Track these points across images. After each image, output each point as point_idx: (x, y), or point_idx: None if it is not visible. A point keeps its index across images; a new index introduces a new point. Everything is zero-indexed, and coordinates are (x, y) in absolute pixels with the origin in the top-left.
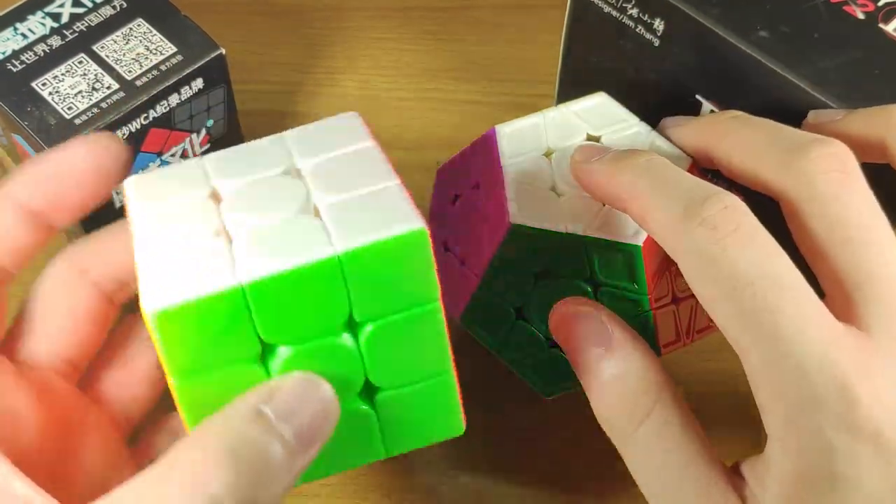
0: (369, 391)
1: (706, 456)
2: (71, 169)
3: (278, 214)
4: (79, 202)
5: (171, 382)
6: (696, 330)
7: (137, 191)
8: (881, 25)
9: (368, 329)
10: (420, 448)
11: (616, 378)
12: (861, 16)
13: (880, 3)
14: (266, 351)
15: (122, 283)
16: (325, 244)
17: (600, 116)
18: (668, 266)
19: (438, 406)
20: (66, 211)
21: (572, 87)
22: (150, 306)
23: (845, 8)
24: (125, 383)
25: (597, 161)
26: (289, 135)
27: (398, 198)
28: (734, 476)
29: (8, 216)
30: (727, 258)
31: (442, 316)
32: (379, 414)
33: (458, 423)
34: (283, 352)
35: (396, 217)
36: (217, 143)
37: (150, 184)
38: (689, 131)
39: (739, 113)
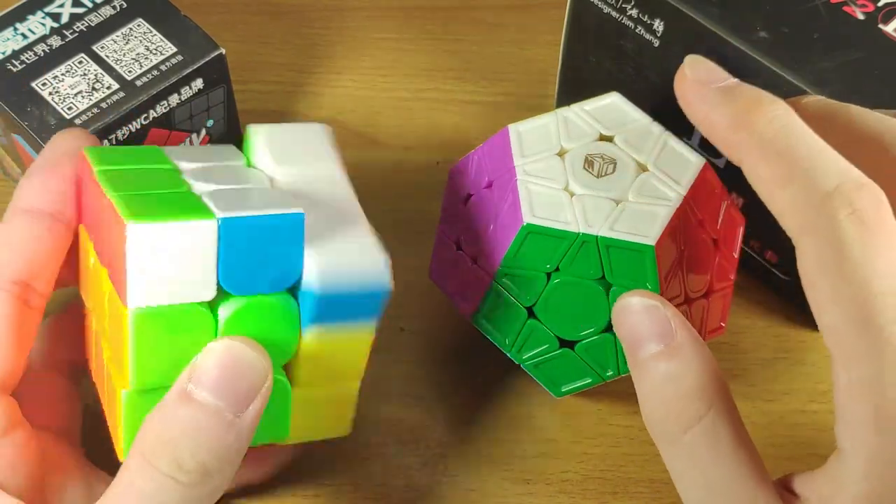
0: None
1: (756, 472)
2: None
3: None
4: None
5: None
6: (707, 331)
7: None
8: (881, 25)
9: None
10: (418, 449)
11: (671, 378)
12: (861, 16)
13: (880, 3)
14: (218, 298)
15: (30, 283)
16: (290, 202)
17: (613, 116)
18: (680, 266)
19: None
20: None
21: (572, 87)
22: (132, 304)
23: (845, 8)
24: (55, 412)
25: (719, 92)
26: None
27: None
28: (786, 492)
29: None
30: (869, 259)
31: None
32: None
33: (346, 427)
34: (224, 310)
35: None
36: (217, 142)
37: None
38: (718, 118)
39: (779, 111)
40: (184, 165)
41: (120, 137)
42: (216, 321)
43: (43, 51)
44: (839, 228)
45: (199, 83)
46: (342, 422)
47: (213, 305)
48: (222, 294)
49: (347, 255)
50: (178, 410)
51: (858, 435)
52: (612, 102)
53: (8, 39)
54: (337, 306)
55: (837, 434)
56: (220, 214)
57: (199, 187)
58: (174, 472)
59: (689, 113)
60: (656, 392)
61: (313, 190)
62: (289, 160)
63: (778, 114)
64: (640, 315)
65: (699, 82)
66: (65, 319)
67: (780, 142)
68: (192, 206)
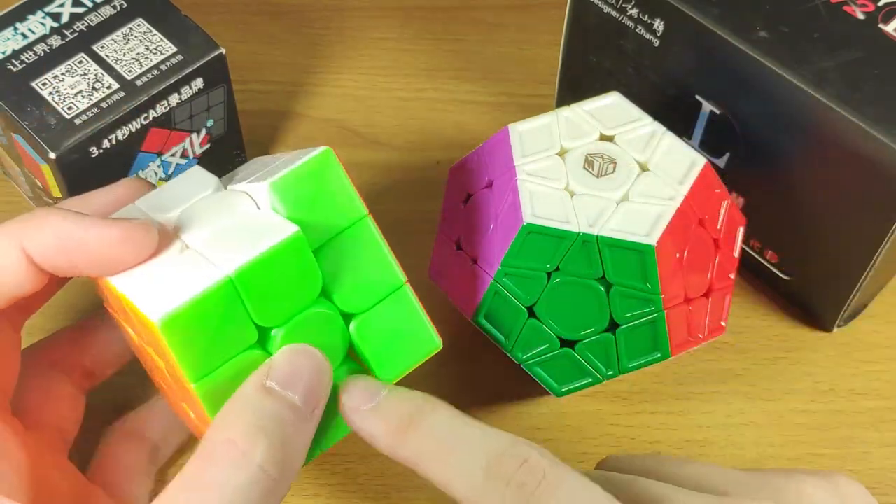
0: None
1: None
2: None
3: (226, 220)
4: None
5: (190, 387)
6: (707, 331)
7: None
8: (881, 25)
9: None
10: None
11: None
12: (861, 16)
13: (880, 3)
14: (263, 336)
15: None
16: (283, 226)
17: (613, 116)
18: (680, 266)
19: (408, 325)
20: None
21: (572, 87)
22: (155, 316)
23: (845, 8)
24: (50, 407)
25: (371, 413)
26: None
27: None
28: None
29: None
30: None
31: (375, 230)
32: (359, 348)
33: (432, 339)
34: (277, 333)
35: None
36: (217, 142)
37: None
38: (377, 434)
39: (432, 419)
40: (158, 217)
41: (120, 137)
42: (270, 354)
43: (43, 50)
44: (507, 500)
45: (199, 83)
46: (426, 335)
47: (262, 341)
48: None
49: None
50: (264, 402)
51: None
52: (612, 102)
53: (8, 39)
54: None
55: None
56: (230, 268)
57: (190, 240)
58: (266, 464)
59: (355, 429)
60: None
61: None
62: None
63: (424, 420)
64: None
65: (352, 409)
66: (86, 328)
67: (431, 447)
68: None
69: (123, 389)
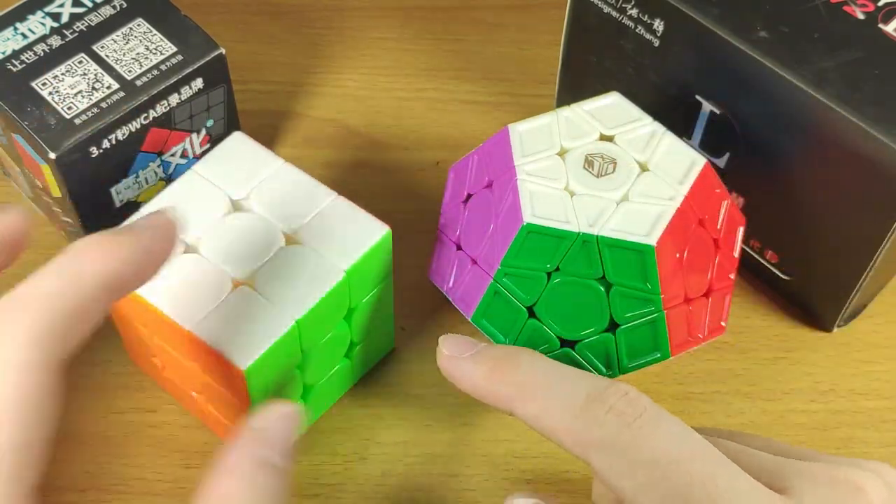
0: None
1: None
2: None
3: (263, 256)
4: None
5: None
6: (707, 331)
7: None
8: (881, 25)
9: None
10: (418, 449)
11: None
12: (861, 16)
13: (880, 3)
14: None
15: None
16: (335, 269)
17: (613, 116)
18: (680, 266)
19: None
20: None
21: (572, 87)
22: (243, 364)
23: (845, 8)
24: None
25: (471, 359)
26: (199, 170)
27: (351, 208)
28: None
29: None
30: (646, 441)
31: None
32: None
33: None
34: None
35: (366, 226)
36: (217, 142)
37: None
38: (476, 378)
39: (524, 357)
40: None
41: (120, 137)
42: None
43: (43, 50)
44: (606, 428)
45: (199, 83)
46: (387, 337)
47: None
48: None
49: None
50: (266, 479)
51: None
52: (612, 102)
53: (8, 39)
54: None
55: None
56: (294, 316)
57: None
58: None
59: (452, 380)
60: None
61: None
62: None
63: (522, 359)
64: None
65: (451, 357)
66: None
67: (532, 382)
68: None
69: None
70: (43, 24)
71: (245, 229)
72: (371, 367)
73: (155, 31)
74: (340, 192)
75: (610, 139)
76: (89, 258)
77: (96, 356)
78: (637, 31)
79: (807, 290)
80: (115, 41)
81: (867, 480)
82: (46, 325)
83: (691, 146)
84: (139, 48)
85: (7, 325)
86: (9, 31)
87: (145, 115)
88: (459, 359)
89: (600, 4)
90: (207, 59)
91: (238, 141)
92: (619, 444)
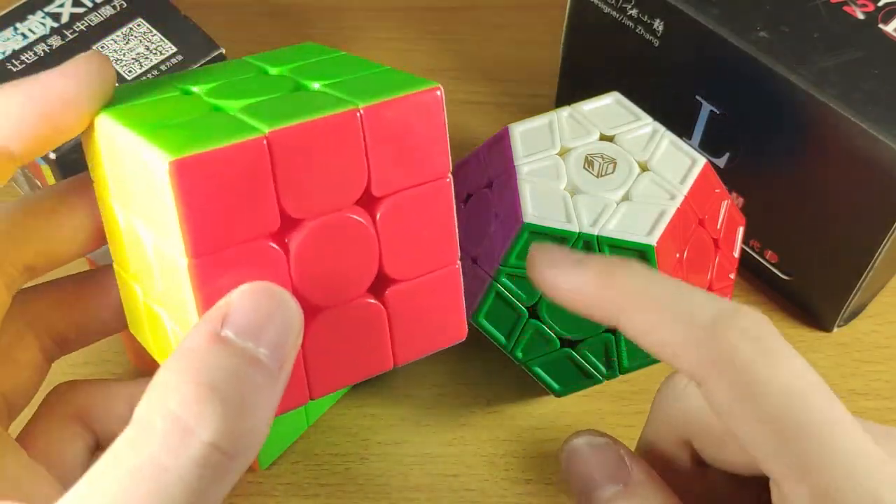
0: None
1: None
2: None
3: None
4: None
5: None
6: None
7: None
8: (881, 25)
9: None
10: (418, 449)
11: None
12: (861, 16)
13: (880, 3)
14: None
15: None
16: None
17: (613, 116)
18: (680, 266)
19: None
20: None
21: (572, 87)
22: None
23: (845, 8)
24: (8, 373)
25: (575, 264)
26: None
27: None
28: None
29: None
30: (775, 371)
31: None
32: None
33: (461, 328)
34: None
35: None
36: None
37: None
38: (581, 285)
39: (637, 266)
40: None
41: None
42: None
43: (43, 51)
44: (735, 350)
45: None
46: (456, 322)
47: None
48: (288, 221)
49: None
50: (219, 356)
51: None
52: (612, 102)
53: (8, 39)
54: None
55: None
56: (268, 129)
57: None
58: (220, 439)
59: (552, 290)
60: None
61: None
62: None
63: (636, 268)
64: (590, 457)
65: (552, 263)
66: (75, 285)
67: (647, 291)
68: (232, 126)
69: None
70: (43, 25)
71: None
72: None
73: (155, 32)
74: None
75: (610, 139)
76: None
77: (97, 356)
78: (637, 31)
79: (807, 290)
80: (115, 41)
81: None
82: None
83: (691, 146)
84: (139, 48)
85: None
86: (9, 31)
87: None
88: (560, 267)
89: (600, 4)
90: (207, 59)
91: None
92: (752, 370)
